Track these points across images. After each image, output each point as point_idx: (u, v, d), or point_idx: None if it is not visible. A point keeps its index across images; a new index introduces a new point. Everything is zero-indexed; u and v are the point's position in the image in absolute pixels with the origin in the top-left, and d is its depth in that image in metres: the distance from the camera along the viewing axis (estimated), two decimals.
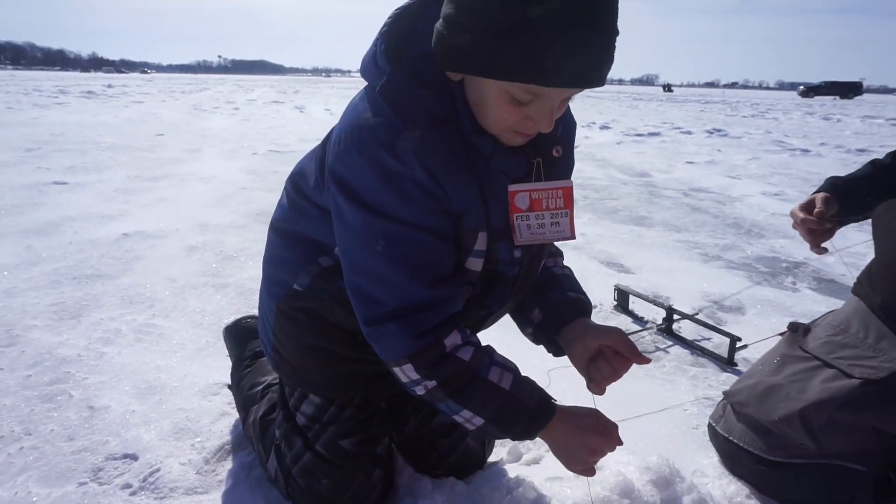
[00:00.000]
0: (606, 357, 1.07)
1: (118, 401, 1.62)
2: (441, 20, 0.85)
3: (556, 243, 1.26)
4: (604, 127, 11.61)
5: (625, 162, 7.12)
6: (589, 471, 1.05)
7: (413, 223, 0.90)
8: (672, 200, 4.86)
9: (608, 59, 0.81)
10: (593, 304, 2.49)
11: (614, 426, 1.05)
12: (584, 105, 22.11)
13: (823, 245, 1.31)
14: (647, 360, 1.07)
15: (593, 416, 1.04)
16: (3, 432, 1.47)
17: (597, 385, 1.07)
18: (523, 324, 1.21)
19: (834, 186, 1.34)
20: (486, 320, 1.16)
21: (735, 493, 1.28)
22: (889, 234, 1.25)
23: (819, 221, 1.27)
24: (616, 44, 0.81)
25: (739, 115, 17.33)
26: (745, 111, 19.35)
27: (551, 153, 1.01)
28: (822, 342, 1.30)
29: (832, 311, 1.41)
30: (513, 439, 1.06)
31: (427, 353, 0.94)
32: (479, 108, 0.90)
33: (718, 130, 11.00)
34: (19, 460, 1.37)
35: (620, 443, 1.04)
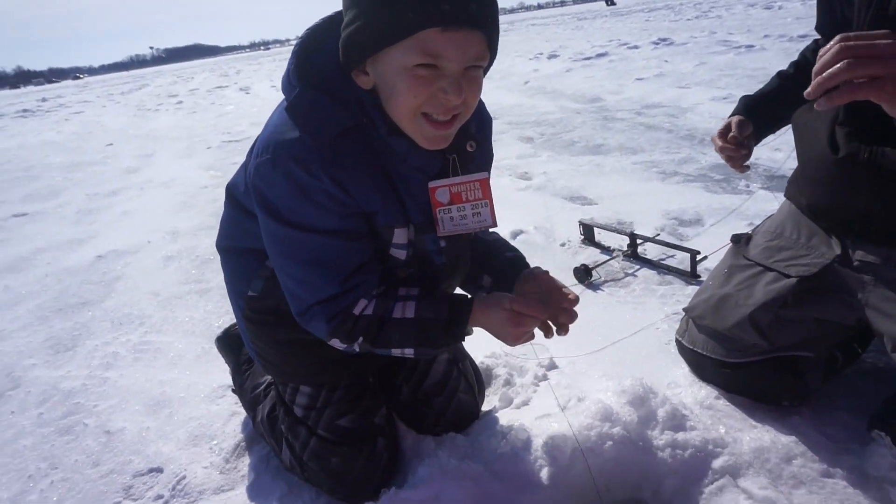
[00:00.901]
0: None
1: (132, 421, 1.71)
2: (342, 34, 0.95)
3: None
4: (552, 56, 11.53)
5: (576, 90, 7.15)
6: (524, 340, 1.11)
7: (324, 230, 1.01)
8: (626, 122, 4.95)
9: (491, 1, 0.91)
10: (561, 241, 2.60)
11: (532, 308, 1.08)
12: (530, 34, 21.81)
13: (745, 164, 1.43)
14: (575, 300, 1.15)
15: (506, 305, 1.07)
16: (31, 471, 1.56)
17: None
18: (476, 291, 1.33)
19: (746, 107, 1.46)
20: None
21: (705, 396, 1.43)
22: (805, 136, 1.36)
23: (735, 147, 1.39)
24: None
25: (684, 18, 17.24)
26: (688, 13, 19.22)
27: (465, 148, 1.10)
28: (762, 248, 1.42)
29: (769, 216, 1.53)
30: (451, 344, 1.16)
31: (342, 326, 1.09)
32: (391, 101, 0.97)
33: (664, 40, 10.98)
34: (53, 494, 1.46)
35: (542, 316, 1.10)
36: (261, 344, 1.27)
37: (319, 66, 1.01)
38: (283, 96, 1.05)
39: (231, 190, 1.23)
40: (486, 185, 1.10)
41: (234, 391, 1.66)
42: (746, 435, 1.28)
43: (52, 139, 9.77)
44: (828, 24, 1.32)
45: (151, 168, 5.91)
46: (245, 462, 1.48)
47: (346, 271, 1.06)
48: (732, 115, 1.47)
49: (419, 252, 1.14)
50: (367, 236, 1.08)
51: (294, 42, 1.13)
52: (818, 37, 1.40)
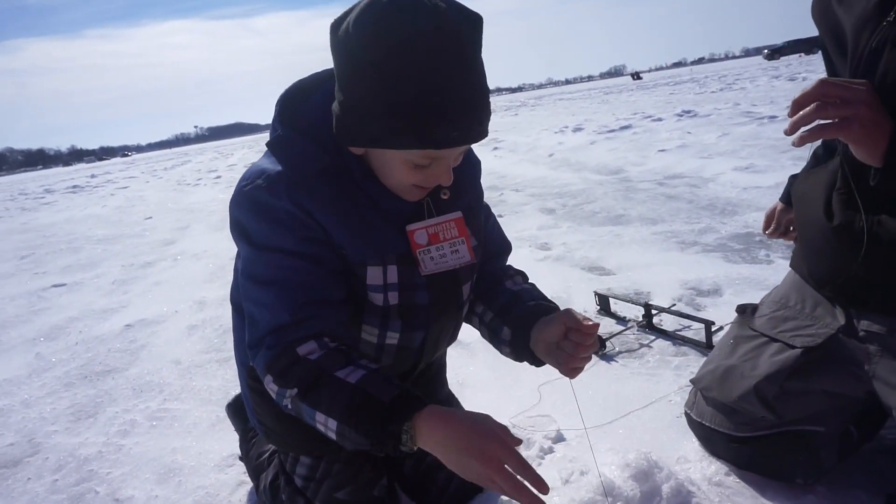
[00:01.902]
0: (566, 342, 1.07)
1: (141, 489, 1.73)
2: (336, 104, 1.00)
3: (516, 266, 1.39)
4: (577, 129, 11.81)
5: (599, 162, 7.27)
6: (486, 482, 0.85)
7: (287, 250, 1.03)
8: (647, 193, 4.99)
9: (488, 114, 0.98)
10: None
11: (505, 443, 0.85)
12: (557, 109, 22.41)
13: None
14: (595, 326, 1.05)
15: (476, 427, 0.86)
16: None
17: (566, 367, 1.07)
18: (499, 346, 1.26)
19: (787, 194, 1.59)
20: (418, 366, 1.28)
21: (714, 472, 1.38)
22: (803, 204, 1.37)
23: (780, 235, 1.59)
24: (490, 99, 0.98)
25: (708, 91, 17.58)
26: (713, 86, 19.61)
27: (439, 196, 1.14)
28: (767, 319, 1.41)
29: (776, 287, 1.52)
30: (385, 450, 0.90)
31: (279, 360, 0.99)
32: (382, 172, 1.05)
33: (688, 112, 11.18)
34: None
35: (515, 445, 0.86)
36: (261, 412, 1.29)
37: (303, 113, 1.08)
38: None
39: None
40: (461, 224, 1.13)
41: (240, 459, 1.66)
42: None
43: (97, 213, 10.26)
44: None
45: (186, 240, 6.13)
46: None
47: (303, 298, 1.02)
48: (781, 196, 1.63)
49: (404, 291, 1.13)
50: (335, 269, 1.07)
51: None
52: None
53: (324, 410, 0.94)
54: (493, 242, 1.37)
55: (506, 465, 0.83)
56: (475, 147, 1.20)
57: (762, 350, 1.36)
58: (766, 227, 1.70)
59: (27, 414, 2.37)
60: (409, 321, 1.17)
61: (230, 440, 1.90)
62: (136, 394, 2.42)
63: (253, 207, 1.05)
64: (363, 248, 1.08)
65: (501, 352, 1.28)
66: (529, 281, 1.37)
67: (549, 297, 1.29)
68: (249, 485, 1.64)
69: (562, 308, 1.15)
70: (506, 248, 1.41)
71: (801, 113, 0.95)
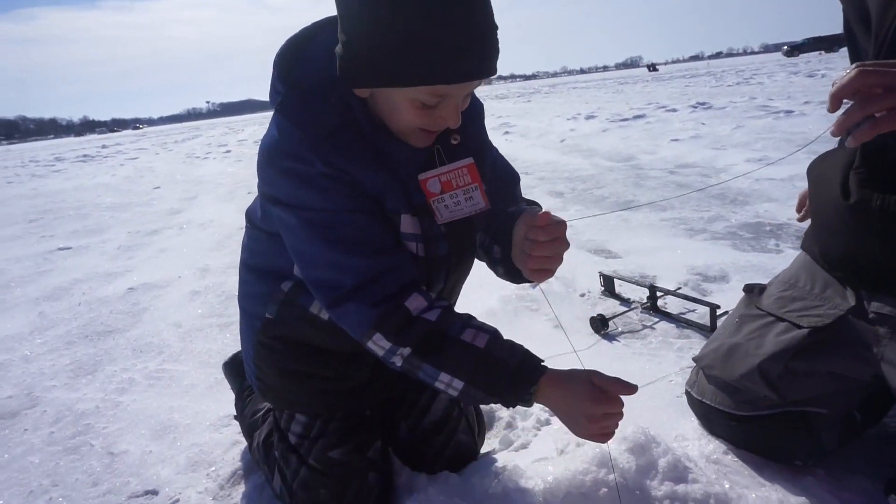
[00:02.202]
0: (526, 241, 1.05)
1: (136, 444, 1.73)
2: (340, 46, 0.97)
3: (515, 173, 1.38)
4: (589, 116, 11.69)
5: (611, 148, 7.20)
6: (603, 436, 1.05)
7: (335, 209, 1.01)
8: (658, 181, 4.94)
9: (496, 51, 0.94)
10: (581, 291, 2.57)
11: (616, 384, 1.01)
12: (571, 97, 22.21)
13: None
14: (550, 220, 1.01)
15: (586, 381, 1.01)
16: (33, 487, 1.57)
17: (526, 268, 1.05)
18: (495, 268, 1.25)
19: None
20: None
21: (712, 451, 1.36)
22: (819, 184, 1.33)
23: None
24: (498, 37, 0.95)
25: (724, 84, 17.35)
26: (729, 80, 19.35)
27: (449, 141, 1.11)
28: (775, 298, 1.38)
29: (784, 268, 1.49)
30: (506, 405, 1.04)
31: (391, 318, 1.01)
32: (389, 116, 1.01)
33: (703, 104, 11.04)
34: None
35: (631, 390, 1.01)
36: (265, 367, 1.27)
37: (304, 71, 1.05)
38: None
39: (249, 215, 1.27)
40: (473, 170, 1.10)
41: (235, 418, 1.66)
42: (753, 493, 1.21)
43: (106, 182, 10.28)
44: None
45: (193, 210, 6.13)
46: (239, 490, 1.47)
47: (375, 247, 1.02)
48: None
49: (427, 242, 1.11)
50: (380, 215, 1.05)
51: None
52: None
53: (450, 371, 1.01)
54: (505, 172, 1.34)
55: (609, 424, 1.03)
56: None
57: (768, 329, 1.33)
58: (799, 210, 1.60)
59: (27, 369, 2.38)
60: (432, 273, 1.16)
61: (226, 401, 1.90)
62: (136, 354, 2.42)
63: (289, 180, 1.01)
64: (394, 197, 1.06)
65: (497, 274, 1.26)
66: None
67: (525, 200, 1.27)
68: (243, 444, 1.64)
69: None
70: (516, 177, 1.37)
71: (845, 111, 0.87)
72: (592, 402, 0.99)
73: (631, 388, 1.00)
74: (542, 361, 1.05)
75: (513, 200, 1.30)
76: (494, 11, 0.94)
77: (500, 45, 0.96)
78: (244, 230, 1.31)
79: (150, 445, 1.71)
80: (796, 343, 1.25)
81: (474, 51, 0.90)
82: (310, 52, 1.06)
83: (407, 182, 1.08)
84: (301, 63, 1.06)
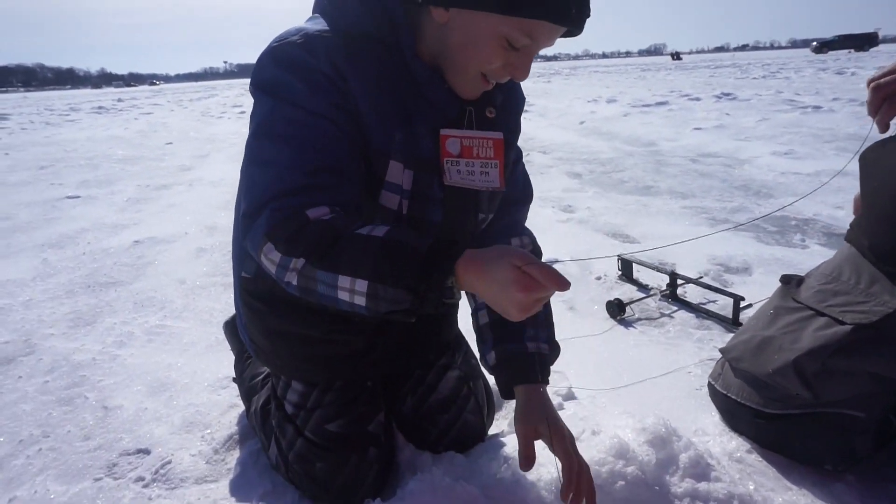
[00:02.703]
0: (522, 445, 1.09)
1: (131, 400, 1.67)
2: None
3: (538, 225, 1.28)
4: (610, 100, 11.47)
5: (631, 133, 7.04)
6: (532, 310, 0.79)
7: (311, 110, 0.91)
8: (679, 168, 4.81)
9: (589, 10, 0.90)
10: (597, 275, 2.49)
11: (549, 276, 0.75)
12: (592, 80, 21.86)
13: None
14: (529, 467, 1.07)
15: (511, 267, 0.76)
16: (23, 436, 1.52)
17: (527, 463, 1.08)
18: (482, 359, 1.26)
19: None
20: None
21: (735, 448, 1.29)
22: (876, 171, 1.23)
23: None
24: None
25: (750, 77, 16.99)
26: (755, 73, 18.95)
27: (484, 112, 1.04)
28: (815, 291, 1.29)
29: (825, 261, 1.39)
30: (426, 306, 0.80)
31: (285, 224, 0.85)
32: (459, 47, 0.93)
33: (727, 94, 10.80)
34: (38, 461, 1.42)
35: (563, 285, 0.76)
36: (252, 328, 1.20)
37: None
38: None
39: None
40: (499, 146, 1.02)
41: (234, 381, 1.59)
42: (779, 496, 1.14)
43: (119, 134, 10.21)
44: None
45: (204, 167, 6.05)
46: (234, 455, 1.41)
47: (321, 163, 0.89)
48: None
49: (417, 201, 1.02)
50: (359, 147, 0.95)
51: None
52: None
53: (348, 272, 0.81)
54: (516, 188, 1.26)
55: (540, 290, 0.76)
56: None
57: (806, 323, 1.24)
58: (857, 212, 1.38)
59: (26, 315, 2.32)
60: None
61: (226, 363, 1.83)
62: (137, 308, 2.36)
63: (285, 62, 0.92)
64: (390, 137, 0.96)
65: (480, 359, 1.28)
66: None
67: (551, 330, 1.23)
68: (240, 407, 1.58)
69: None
70: (528, 196, 1.30)
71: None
72: (523, 291, 0.75)
73: (564, 284, 0.77)
74: (457, 242, 0.83)
75: (516, 227, 1.27)
76: None
77: None
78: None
79: (146, 402, 1.65)
80: (838, 339, 1.17)
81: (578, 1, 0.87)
82: None
83: (418, 129, 0.99)
84: None
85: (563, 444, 1.06)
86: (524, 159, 1.29)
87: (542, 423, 1.08)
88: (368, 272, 0.80)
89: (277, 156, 0.89)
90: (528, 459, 1.07)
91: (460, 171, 1.02)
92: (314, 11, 1.01)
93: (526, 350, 1.16)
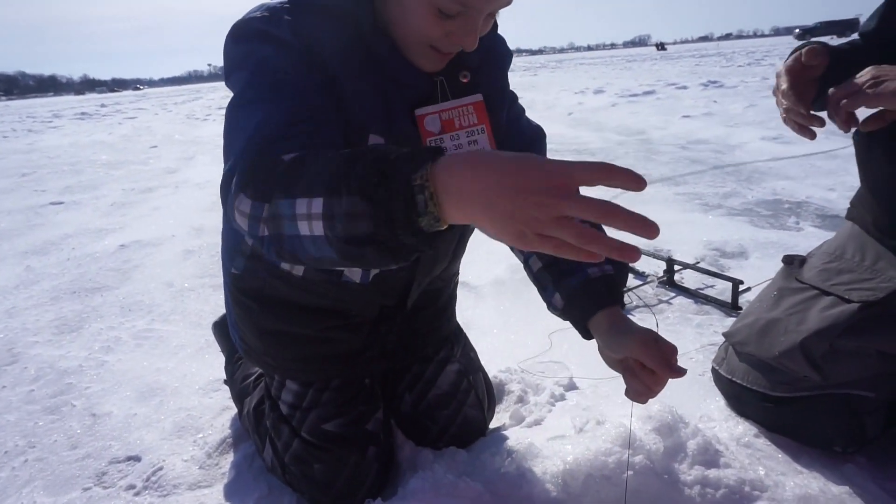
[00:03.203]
0: (636, 372, 0.93)
1: (119, 406, 1.62)
2: None
3: None
4: (598, 91, 11.44)
5: (620, 123, 7.02)
6: (548, 240, 0.57)
7: (283, 69, 0.84)
8: (670, 156, 4.79)
9: None
10: None
11: (564, 169, 0.55)
12: (578, 72, 21.85)
13: (813, 127, 1.07)
14: (682, 373, 0.89)
15: (510, 166, 0.56)
16: (8, 447, 1.47)
17: (632, 397, 0.95)
18: (549, 307, 1.10)
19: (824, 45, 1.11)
20: (411, 290, 1.12)
21: (742, 433, 1.26)
22: (871, 153, 1.20)
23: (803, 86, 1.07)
24: None
25: (735, 65, 17.02)
26: (740, 61, 19.00)
27: (457, 78, 0.97)
28: (819, 271, 1.26)
29: (827, 240, 1.37)
30: (396, 230, 0.59)
31: (258, 170, 0.72)
32: (399, 21, 0.87)
33: (714, 82, 10.80)
34: (24, 473, 1.37)
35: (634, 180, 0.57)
36: (242, 327, 1.15)
37: None
38: None
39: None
40: (481, 109, 0.97)
41: (225, 383, 1.55)
42: (790, 480, 1.10)
43: (103, 139, 10.06)
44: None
45: (190, 170, 5.97)
46: (228, 459, 1.36)
47: (297, 112, 0.80)
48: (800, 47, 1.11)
49: None
50: (333, 102, 0.87)
51: None
52: None
53: (304, 192, 0.64)
54: (523, 133, 1.19)
55: (573, 202, 0.54)
56: None
57: (812, 303, 1.21)
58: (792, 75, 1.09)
59: (9, 323, 2.26)
60: None
61: (217, 365, 1.78)
62: (124, 312, 2.30)
63: (248, 34, 0.87)
64: (367, 110, 0.90)
65: (549, 310, 1.10)
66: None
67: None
68: (233, 410, 1.53)
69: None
70: (540, 133, 1.22)
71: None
72: (537, 168, 0.55)
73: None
74: (438, 147, 0.63)
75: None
76: None
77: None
78: None
79: (135, 408, 1.60)
80: (845, 319, 1.14)
81: None
82: None
83: (393, 108, 0.93)
84: None
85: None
86: None
87: (646, 339, 0.91)
88: (323, 187, 0.63)
89: (251, 114, 0.80)
90: (647, 388, 0.91)
91: (447, 148, 0.96)
92: None
93: (590, 277, 1.02)
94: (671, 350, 0.89)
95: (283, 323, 1.09)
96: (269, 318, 1.10)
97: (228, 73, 0.90)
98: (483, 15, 0.84)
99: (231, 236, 1.11)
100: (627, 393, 0.95)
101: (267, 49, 0.85)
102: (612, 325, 0.97)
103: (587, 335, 1.04)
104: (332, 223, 0.62)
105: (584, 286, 1.02)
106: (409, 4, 0.84)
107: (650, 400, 0.96)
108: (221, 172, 0.81)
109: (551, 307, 1.09)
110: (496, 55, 1.08)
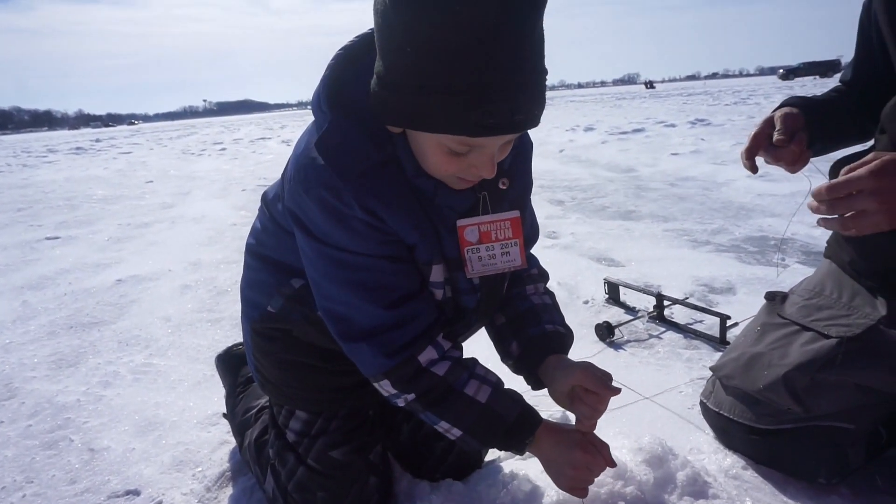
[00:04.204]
0: (581, 396, 1.06)
1: (118, 441, 1.63)
2: (374, 76, 0.85)
3: (540, 265, 1.32)
4: (588, 129, 11.69)
5: (610, 160, 7.17)
6: (579, 490, 1.07)
7: (361, 252, 0.95)
8: (659, 192, 4.89)
9: (539, 102, 0.81)
10: (584, 299, 2.51)
11: (603, 445, 1.07)
12: (569, 110, 22.27)
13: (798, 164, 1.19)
14: (617, 391, 1.06)
15: (576, 431, 1.07)
16: (6, 483, 1.48)
17: (582, 425, 1.08)
18: (504, 356, 1.24)
19: (797, 105, 1.23)
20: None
21: (730, 465, 1.29)
22: None
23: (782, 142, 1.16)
24: (546, 83, 0.82)
25: (722, 103, 17.44)
26: (727, 99, 19.47)
27: (497, 186, 1.04)
28: (799, 307, 1.31)
29: (807, 277, 1.43)
30: (499, 449, 1.10)
31: (401, 369, 0.99)
32: (420, 157, 0.92)
33: (702, 120, 11.07)
34: None
35: (612, 464, 1.06)
36: (261, 358, 1.20)
37: (353, 97, 0.92)
38: None
39: (266, 201, 1.19)
40: (517, 225, 1.04)
41: (225, 416, 1.57)
42: None
43: (98, 174, 10.14)
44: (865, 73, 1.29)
45: (186, 205, 6.03)
46: (227, 492, 1.38)
47: (394, 296, 0.97)
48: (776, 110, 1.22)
49: (454, 294, 1.08)
50: (410, 262, 1.00)
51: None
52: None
53: (451, 421, 1.03)
54: (526, 228, 1.27)
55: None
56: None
57: (793, 338, 1.27)
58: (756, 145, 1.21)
59: (6, 359, 2.27)
60: (456, 320, 1.12)
61: (215, 399, 1.81)
62: (122, 347, 2.32)
63: (322, 212, 0.92)
64: (429, 247, 1.00)
65: (502, 360, 1.25)
66: (549, 288, 1.30)
67: (564, 319, 1.25)
68: (232, 444, 1.55)
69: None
70: (535, 234, 1.31)
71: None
72: (581, 451, 1.04)
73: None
74: (536, 412, 1.09)
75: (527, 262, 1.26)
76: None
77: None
78: (258, 211, 1.24)
79: (133, 442, 1.62)
80: (824, 353, 1.19)
81: (507, 102, 0.76)
82: (365, 66, 0.90)
83: (440, 228, 1.01)
84: (353, 80, 0.92)
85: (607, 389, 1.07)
86: None
87: (585, 368, 1.08)
88: (465, 428, 1.03)
89: (350, 297, 0.97)
90: (592, 409, 1.06)
91: (481, 256, 1.04)
92: (324, 140, 0.92)
93: (546, 331, 1.18)
94: (606, 375, 1.08)
95: (303, 356, 1.15)
96: (290, 351, 1.16)
97: (300, 228, 0.97)
98: (492, 150, 0.87)
99: (268, 276, 1.15)
100: (577, 423, 1.09)
101: (342, 235, 0.93)
102: (557, 365, 1.12)
103: (537, 385, 1.18)
104: (462, 442, 1.07)
105: (541, 337, 1.17)
106: (422, 145, 0.88)
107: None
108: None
109: (506, 356, 1.23)
110: (524, 148, 1.13)
